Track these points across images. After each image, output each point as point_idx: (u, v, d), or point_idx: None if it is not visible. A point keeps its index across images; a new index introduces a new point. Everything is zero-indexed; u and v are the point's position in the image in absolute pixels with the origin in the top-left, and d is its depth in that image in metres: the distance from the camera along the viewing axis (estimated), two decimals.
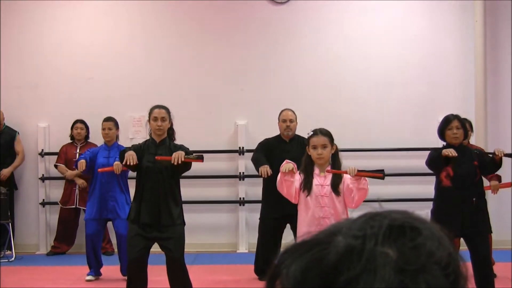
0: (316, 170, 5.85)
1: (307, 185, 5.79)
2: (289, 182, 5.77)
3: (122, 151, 6.56)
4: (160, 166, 6.45)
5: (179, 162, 6.26)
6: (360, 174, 5.67)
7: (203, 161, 6.50)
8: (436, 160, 6.69)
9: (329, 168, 5.85)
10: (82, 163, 7.97)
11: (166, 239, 6.43)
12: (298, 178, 5.83)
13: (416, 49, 10.49)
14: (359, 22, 10.52)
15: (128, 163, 6.31)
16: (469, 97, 10.31)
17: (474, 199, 6.61)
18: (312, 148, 5.82)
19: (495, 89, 10.35)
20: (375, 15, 10.53)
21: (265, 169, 7.81)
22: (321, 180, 5.81)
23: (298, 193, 5.83)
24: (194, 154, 6.45)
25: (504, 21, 10.41)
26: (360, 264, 0.86)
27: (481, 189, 6.80)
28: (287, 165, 5.72)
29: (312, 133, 5.89)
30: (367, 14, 10.52)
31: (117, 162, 7.59)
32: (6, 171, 10.22)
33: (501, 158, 6.68)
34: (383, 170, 5.97)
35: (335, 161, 5.88)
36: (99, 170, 8.04)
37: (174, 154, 6.29)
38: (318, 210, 5.77)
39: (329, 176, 5.82)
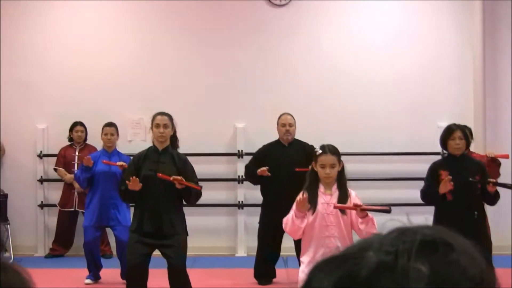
0: (321, 188, 5.72)
1: (312, 203, 5.64)
2: (301, 218, 5.61)
3: (124, 169, 6.78)
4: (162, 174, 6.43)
5: (177, 185, 6.25)
6: (366, 208, 5.48)
7: (200, 189, 6.49)
8: (432, 196, 6.70)
9: (335, 186, 5.72)
10: (88, 159, 8.00)
11: (167, 246, 6.41)
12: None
13: (415, 54, 10.48)
14: (358, 27, 10.51)
15: (131, 188, 6.30)
16: (468, 103, 10.33)
17: (475, 212, 6.60)
18: (320, 166, 5.69)
19: (493, 95, 10.35)
20: (373, 20, 10.52)
21: (261, 170, 7.88)
22: (327, 198, 5.68)
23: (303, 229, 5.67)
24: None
25: (503, 27, 10.41)
26: (393, 280, 0.86)
27: (481, 202, 6.74)
28: (305, 203, 5.57)
29: (320, 151, 5.73)
30: (366, 19, 10.51)
31: (122, 163, 7.66)
32: None
33: (496, 190, 6.62)
34: (389, 207, 5.83)
35: (341, 179, 5.75)
36: (104, 161, 8.04)
37: (174, 177, 6.26)
38: (323, 228, 5.63)
39: (335, 194, 5.69)
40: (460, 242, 0.91)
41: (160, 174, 6.28)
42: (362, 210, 5.46)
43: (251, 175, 8.28)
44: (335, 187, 5.72)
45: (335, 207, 5.58)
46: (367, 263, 0.88)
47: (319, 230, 5.63)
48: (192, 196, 6.46)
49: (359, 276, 0.88)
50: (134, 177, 6.28)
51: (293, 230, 5.68)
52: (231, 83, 10.52)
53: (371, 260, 0.88)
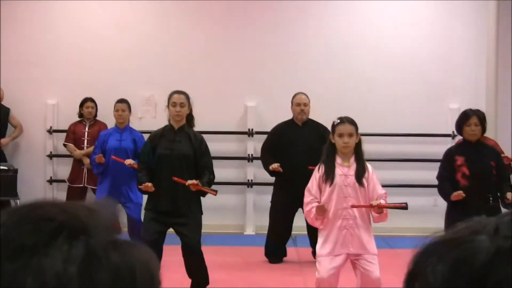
0: (339, 160, 5.73)
1: (329, 175, 5.65)
2: (321, 220, 5.71)
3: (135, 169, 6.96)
4: (178, 153, 6.42)
5: (192, 188, 6.27)
6: (383, 206, 5.56)
7: (216, 195, 6.50)
8: (445, 196, 6.72)
9: (352, 158, 5.74)
10: (100, 157, 8.00)
11: (182, 224, 6.43)
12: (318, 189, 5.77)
13: (429, 35, 10.45)
14: (375, 6, 10.47)
15: (145, 190, 6.41)
16: (480, 85, 10.28)
17: (490, 196, 6.53)
18: (338, 136, 5.68)
19: (506, 77, 10.28)
20: (389, 3, 10.49)
21: (275, 166, 7.88)
22: (345, 170, 5.69)
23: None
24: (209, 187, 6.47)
25: None
26: None
27: (496, 190, 6.66)
28: (324, 208, 5.60)
29: (338, 121, 5.74)
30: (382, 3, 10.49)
31: (130, 161, 7.70)
32: (4, 140, 10.28)
33: None
34: (406, 203, 5.86)
35: (358, 151, 5.76)
36: (113, 157, 7.98)
37: (190, 181, 6.26)
38: (341, 200, 5.65)
39: (353, 166, 5.70)
40: None
41: (175, 178, 6.27)
42: (379, 208, 5.55)
43: (264, 165, 8.30)
44: (352, 159, 5.74)
45: (352, 206, 5.63)
46: (483, 248, 0.86)
47: (337, 201, 5.66)
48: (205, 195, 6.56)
49: (477, 260, 0.85)
50: (147, 183, 6.33)
51: (313, 224, 5.86)
52: (242, 61, 10.49)
53: (486, 245, 0.86)
